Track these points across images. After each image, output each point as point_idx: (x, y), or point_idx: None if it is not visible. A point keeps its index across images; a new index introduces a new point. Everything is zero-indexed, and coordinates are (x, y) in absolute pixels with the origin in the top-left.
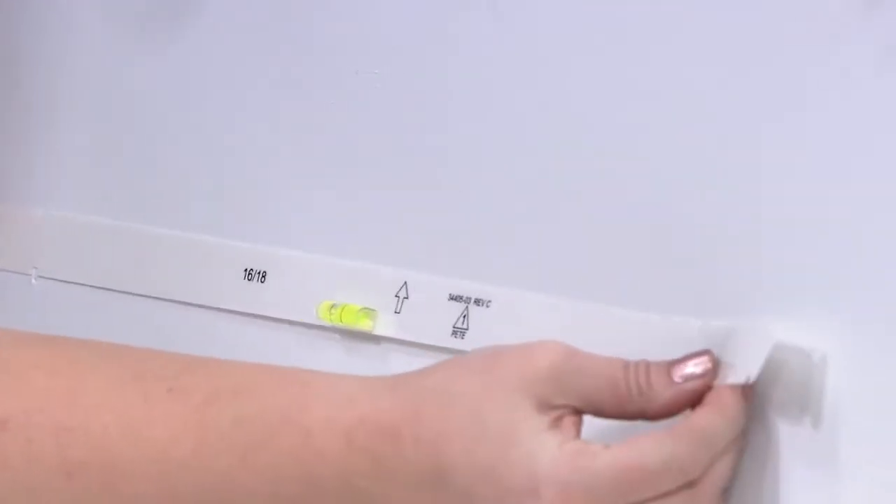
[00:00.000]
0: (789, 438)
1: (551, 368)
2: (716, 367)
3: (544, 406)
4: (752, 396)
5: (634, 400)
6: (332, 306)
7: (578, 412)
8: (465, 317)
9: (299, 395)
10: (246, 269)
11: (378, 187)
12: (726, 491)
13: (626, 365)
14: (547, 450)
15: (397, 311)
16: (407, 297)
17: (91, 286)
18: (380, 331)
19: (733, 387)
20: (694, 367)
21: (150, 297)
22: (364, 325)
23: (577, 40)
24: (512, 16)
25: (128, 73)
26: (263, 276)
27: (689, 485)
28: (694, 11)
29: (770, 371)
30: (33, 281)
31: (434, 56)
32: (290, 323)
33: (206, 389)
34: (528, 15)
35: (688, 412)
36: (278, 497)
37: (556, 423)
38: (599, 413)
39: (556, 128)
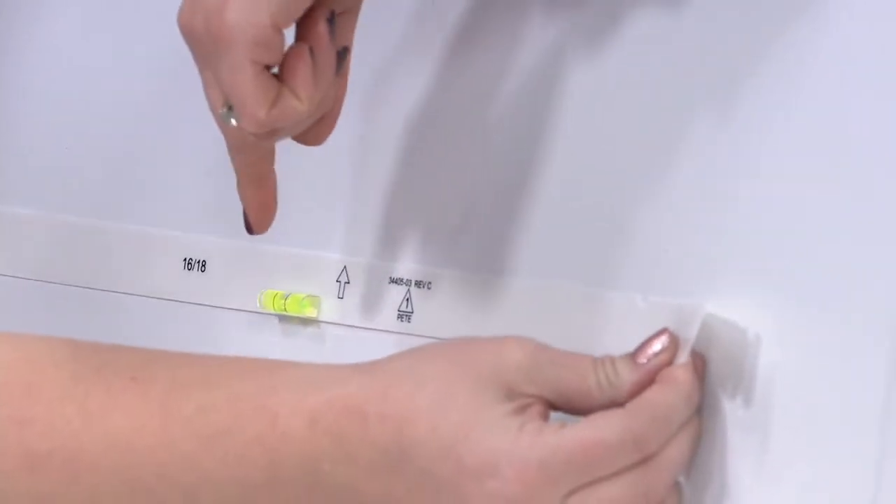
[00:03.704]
0: (727, 413)
1: (523, 358)
2: (675, 342)
3: (512, 394)
4: (705, 373)
5: (604, 389)
6: (277, 296)
7: (546, 405)
8: (408, 300)
9: (266, 382)
10: (185, 259)
11: (310, 173)
12: (684, 469)
13: (594, 359)
14: (508, 430)
15: (340, 296)
16: (349, 282)
17: (28, 279)
18: (325, 317)
19: (685, 364)
20: (655, 346)
21: (89, 288)
22: (309, 312)
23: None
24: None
25: (71, 66)
26: (203, 266)
27: (646, 460)
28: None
29: (706, 346)
30: None
31: (378, 46)
32: (233, 310)
33: (169, 378)
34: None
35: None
36: (243, 484)
37: (521, 409)
38: (568, 405)
39: (493, 107)
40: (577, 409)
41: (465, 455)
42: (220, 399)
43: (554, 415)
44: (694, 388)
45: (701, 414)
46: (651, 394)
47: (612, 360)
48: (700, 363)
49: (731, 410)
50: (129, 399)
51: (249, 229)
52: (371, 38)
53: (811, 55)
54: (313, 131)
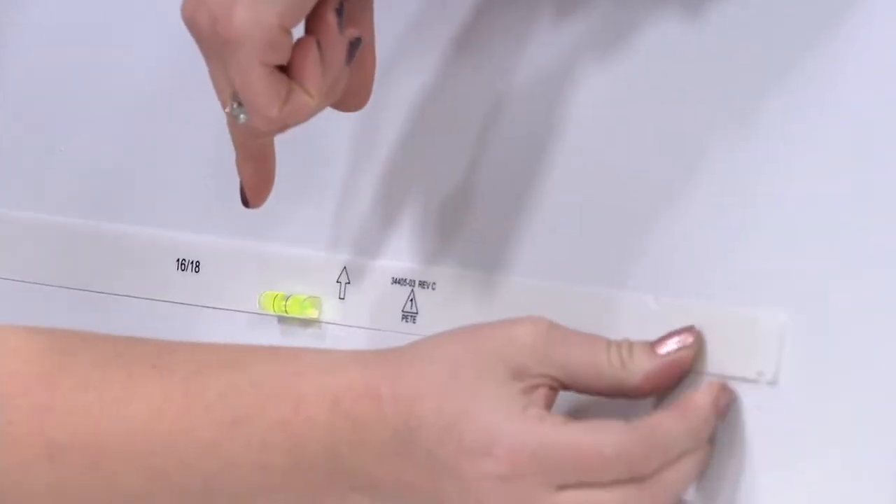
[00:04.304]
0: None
1: (534, 337)
2: (699, 342)
3: (520, 374)
4: (728, 409)
5: (615, 369)
6: (277, 297)
7: (555, 388)
8: (412, 300)
9: (291, 365)
10: (178, 260)
11: (310, 172)
12: (683, 493)
13: (609, 341)
14: (510, 410)
15: (341, 297)
16: (349, 283)
17: (19, 281)
18: (326, 318)
19: (705, 393)
20: (677, 342)
21: (80, 290)
22: (310, 314)
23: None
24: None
25: (65, 67)
26: (197, 267)
27: (636, 481)
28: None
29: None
30: None
31: (381, 45)
32: (230, 311)
33: (190, 365)
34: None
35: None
36: (266, 468)
37: (527, 391)
38: (577, 384)
39: (498, 107)
40: (585, 386)
41: (465, 432)
42: (243, 383)
43: (564, 399)
44: (706, 421)
45: (713, 442)
46: (659, 418)
47: (630, 343)
48: (724, 398)
49: (752, 406)
50: (150, 386)
51: (245, 202)
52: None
53: (828, 56)
54: (350, 101)
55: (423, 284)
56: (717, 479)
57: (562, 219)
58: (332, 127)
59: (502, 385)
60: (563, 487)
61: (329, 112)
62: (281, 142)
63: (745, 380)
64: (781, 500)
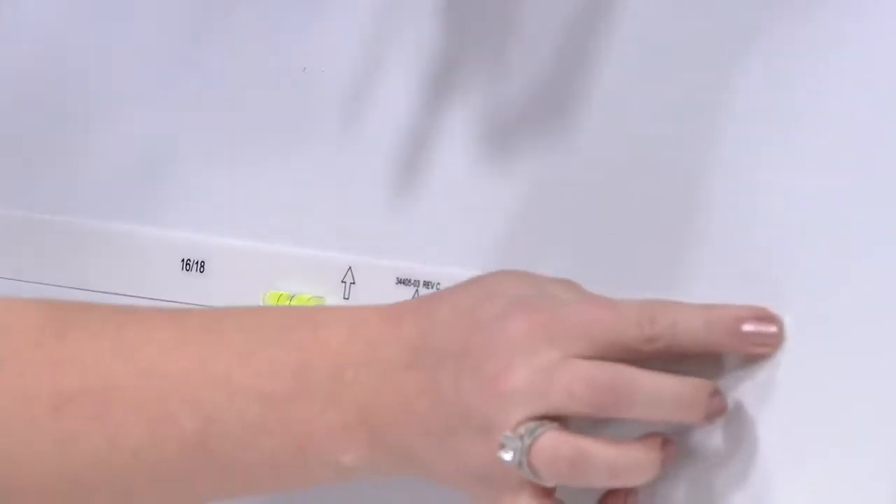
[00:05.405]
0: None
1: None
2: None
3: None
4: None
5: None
6: (281, 297)
7: None
8: None
9: (313, 308)
10: (183, 260)
11: (313, 171)
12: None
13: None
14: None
15: (346, 297)
16: (354, 283)
17: (23, 281)
18: None
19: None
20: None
21: (82, 290)
22: None
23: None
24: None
25: (65, 67)
26: (202, 267)
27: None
28: None
29: None
30: None
31: (379, 54)
32: None
33: (209, 315)
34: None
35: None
36: (268, 397)
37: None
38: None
39: (501, 107)
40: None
41: (481, 314)
42: (264, 319)
43: None
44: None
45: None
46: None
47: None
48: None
49: (753, 405)
50: (167, 330)
51: None
52: (379, 37)
53: (831, 57)
54: None
55: (427, 285)
56: (718, 479)
57: (563, 219)
58: (335, 127)
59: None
60: (576, 355)
61: (330, 112)
62: (283, 141)
63: (746, 379)
64: (782, 499)
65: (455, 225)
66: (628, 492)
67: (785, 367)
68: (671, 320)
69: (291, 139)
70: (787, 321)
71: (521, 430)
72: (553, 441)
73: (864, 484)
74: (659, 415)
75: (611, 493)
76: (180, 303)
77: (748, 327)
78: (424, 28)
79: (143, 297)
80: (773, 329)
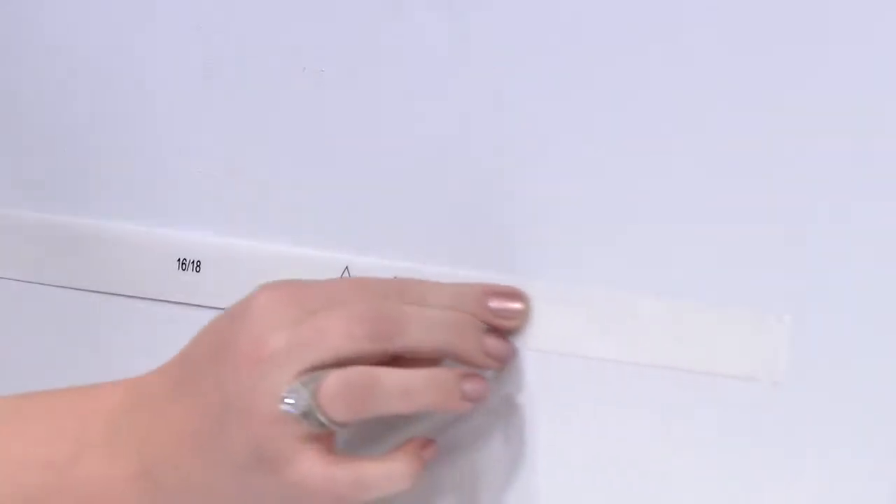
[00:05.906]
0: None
1: None
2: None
3: None
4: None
5: None
6: None
7: None
8: None
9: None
10: (179, 259)
11: (311, 170)
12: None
13: None
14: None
15: None
16: None
17: (19, 280)
18: None
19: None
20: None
21: (79, 289)
22: None
23: (520, 38)
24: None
25: (63, 67)
26: (198, 266)
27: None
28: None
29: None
30: None
31: (378, 54)
32: None
33: None
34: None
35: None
36: (51, 464)
37: None
38: None
39: (501, 107)
40: None
41: (228, 312)
42: (37, 397)
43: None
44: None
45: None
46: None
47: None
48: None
49: (754, 405)
50: None
51: None
52: (377, 37)
53: (834, 58)
54: None
55: None
56: (718, 479)
57: (563, 219)
58: (333, 126)
59: None
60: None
61: (330, 112)
62: (281, 141)
63: (747, 379)
64: (782, 500)
65: (451, 224)
66: (427, 441)
67: (785, 367)
68: (420, 292)
69: (290, 139)
70: (787, 321)
71: (304, 378)
72: (340, 375)
73: (864, 484)
74: (431, 343)
75: (410, 441)
76: (177, 302)
77: (494, 303)
78: (424, 28)
79: (139, 297)
80: (517, 305)
